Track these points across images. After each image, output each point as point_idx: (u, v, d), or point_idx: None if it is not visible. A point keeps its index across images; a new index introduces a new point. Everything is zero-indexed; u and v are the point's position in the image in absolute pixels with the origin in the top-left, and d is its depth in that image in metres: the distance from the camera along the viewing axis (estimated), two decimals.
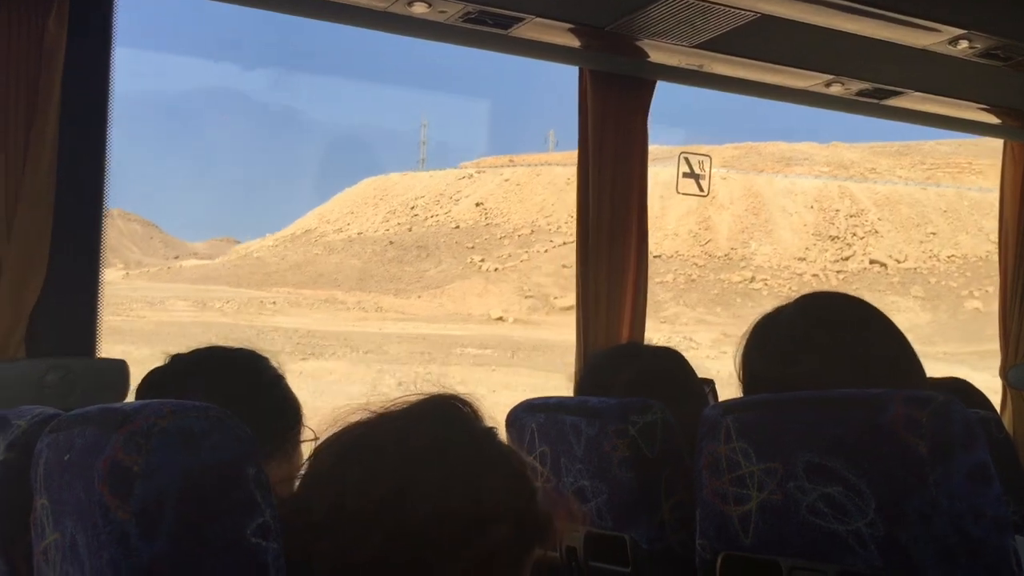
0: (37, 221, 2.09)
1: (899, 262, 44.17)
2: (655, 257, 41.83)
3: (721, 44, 2.69)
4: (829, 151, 56.76)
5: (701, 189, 3.58)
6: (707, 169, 3.59)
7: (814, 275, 42.56)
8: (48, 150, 2.10)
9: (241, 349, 1.61)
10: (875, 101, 3.21)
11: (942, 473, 1.12)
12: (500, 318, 38.00)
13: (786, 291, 38.35)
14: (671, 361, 2.09)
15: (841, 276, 42.90)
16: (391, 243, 51.46)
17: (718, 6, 2.41)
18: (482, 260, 45.80)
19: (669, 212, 46.43)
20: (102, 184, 2.24)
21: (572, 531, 1.78)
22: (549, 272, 43.28)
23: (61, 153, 2.13)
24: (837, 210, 48.71)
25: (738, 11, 2.44)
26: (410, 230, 51.90)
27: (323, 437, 1.02)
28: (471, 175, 55.58)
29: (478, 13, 2.47)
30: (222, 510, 0.86)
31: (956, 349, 30.90)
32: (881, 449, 1.17)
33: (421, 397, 1.04)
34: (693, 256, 44.79)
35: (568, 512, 1.44)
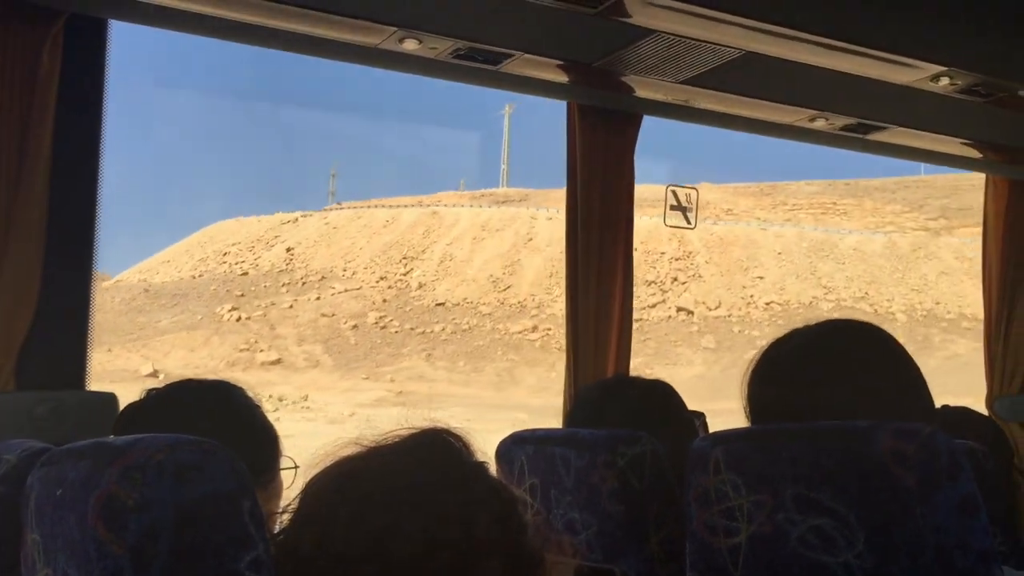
0: (28, 254, 2.09)
1: (711, 309, 42.08)
2: (437, 305, 40.87)
3: (707, 80, 2.73)
4: (704, 192, 55.03)
5: (688, 221, 3.61)
6: (694, 202, 3.62)
7: None
8: (40, 182, 2.11)
9: (215, 381, 1.62)
10: (859, 136, 3.25)
11: (929, 505, 1.13)
12: (152, 374, 34.51)
13: (562, 342, 36.66)
14: (661, 393, 2.10)
15: (638, 324, 40.52)
16: (145, 291, 48.75)
17: (704, 43, 2.45)
18: (232, 309, 43.11)
19: (477, 256, 45.11)
20: (94, 216, 2.24)
21: (563, 565, 1.77)
22: (303, 322, 41.14)
23: (53, 185, 2.14)
24: (663, 252, 46.62)
25: (723, 48, 2.48)
26: (194, 277, 49.08)
27: (314, 472, 1.02)
28: (296, 219, 53.14)
29: (467, 50, 2.50)
30: (217, 544, 0.86)
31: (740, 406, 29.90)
32: (869, 481, 1.18)
33: (412, 431, 1.04)
34: (483, 304, 42.43)
35: (558, 546, 1.44)
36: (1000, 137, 3.36)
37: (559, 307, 39.33)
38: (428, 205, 53.18)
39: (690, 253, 46.20)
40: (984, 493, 1.18)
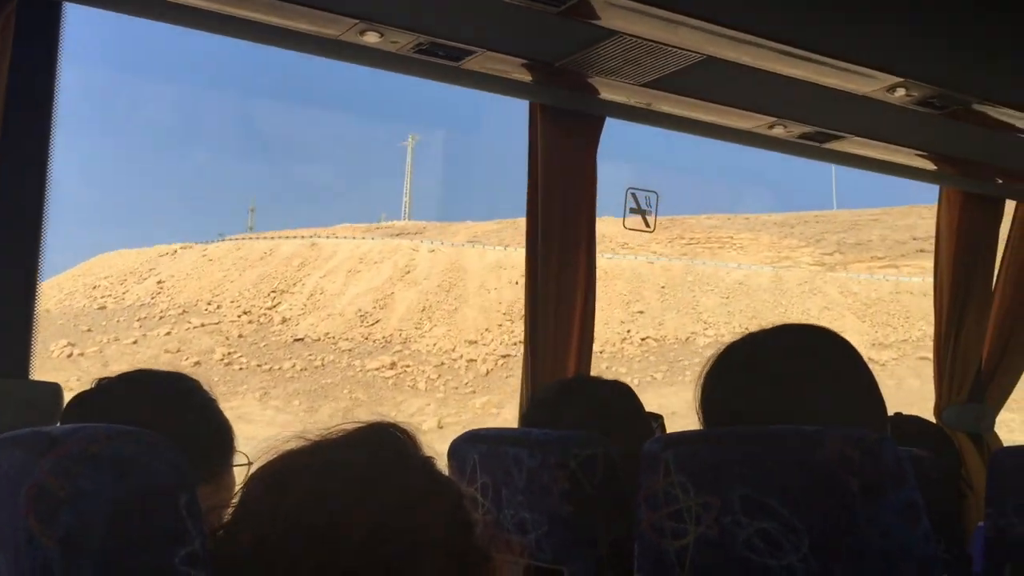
0: None
1: None
2: (296, 341, 39.71)
3: (669, 83, 2.74)
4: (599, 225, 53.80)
5: (647, 225, 3.62)
6: (654, 205, 3.63)
7: (471, 360, 38.42)
8: None
9: (169, 373, 1.59)
10: (816, 144, 3.28)
11: (873, 510, 1.14)
12: None
13: (423, 380, 36.29)
14: (619, 395, 2.09)
15: (502, 361, 38.52)
16: None
17: (665, 46, 2.46)
18: (68, 345, 40.65)
19: (350, 289, 43.97)
20: (42, 203, 2.19)
21: (511, 564, 1.77)
22: (143, 359, 38.32)
23: (0, 171, 2.09)
24: None
25: (685, 52, 2.49)
26: (48, 311, 45.32)
27: (257, 465, 1.00)
28: (175, 251, 50.61)
29: (429, 44, 2.48)
30: (151, 538, 0.85)
31: None
32: (816, 485, 1.19)
33: (358, 425, 1.03)
34: (345, 339, 40.64)
35: (508, 545, 1.43)
36: (954, 150, 3.41)
37: (425, 342, 39.25)
38: (313, 236, 51.64)
39: None
40: (929, 501, 1.19)
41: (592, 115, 2.94)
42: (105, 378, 1.55)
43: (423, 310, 42.75)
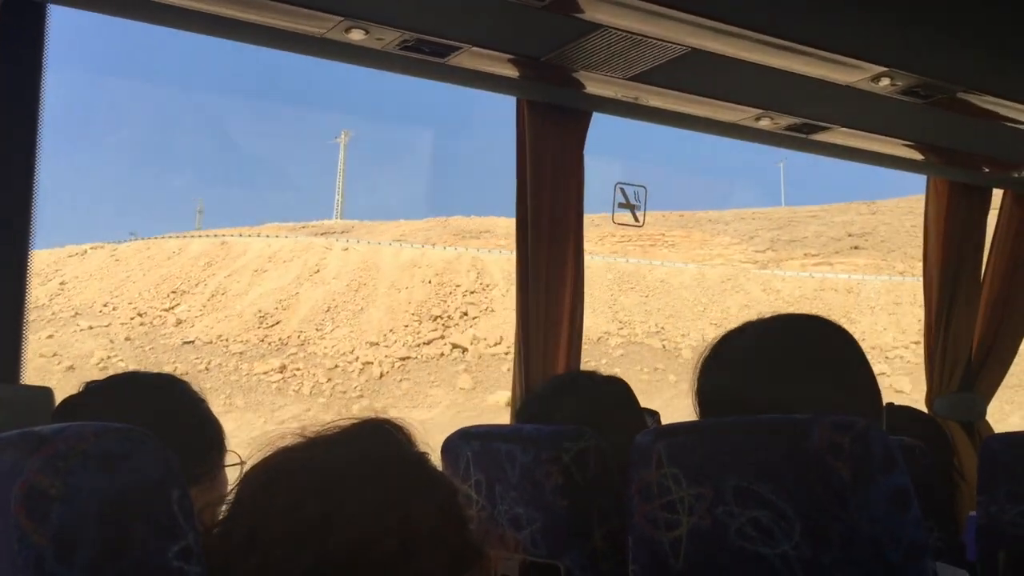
0: None
1: (491, 346, 38.62)
2: (185, 344, 37.92)
3: (654, 77, 2.74)
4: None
5: (636, 219, 3.62)
6: (643, 199, 3.64)
7: (367, 362, 36.81)
8: None
9: (159, 374, 1.60)
10: (803, 136, 3.29)
11: (863, 497, 1.14)
12: None
13: (310, 384, 34.61)
14: (614, 390, 2.09)
15: (400, 364, 37.15)
16: None
17: (651, 39, 2.46)
18: None
19: (254, 289, 42.03)
20: (29, 208, 2.19)
21: (507, 559, 1.77)
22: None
23: None
24: (458, 285, 43.13)
25: (670, 44, 2.49)
26: None
27: (252, 462, 1.00)
28: (85, 251, 48.34)
29: (415, 41, 2.48)
30: (143, 534, 0.85)
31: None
32: (806, 473, 1.19)
33: (354, 421, 1.03)
34: (238, 341, 38.39)
35: (503, 541, 1.43)
36: (940, 139, 3.43)
37: (324, 344, 37.56)
38: (234, 235, 49.82)
39: (487, 286, 43.16)
40: (921, 488, 1.20)
41: (579, 110, 2.94)
42: (93, 381, 1.55)
43: (328, 311, 41.10)
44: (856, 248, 45.50)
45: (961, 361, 3.82)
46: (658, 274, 44.95)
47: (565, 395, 2.04)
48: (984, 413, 3.91)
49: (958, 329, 3.80)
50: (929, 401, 3.83)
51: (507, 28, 2.47)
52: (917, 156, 3.61)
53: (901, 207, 51.65)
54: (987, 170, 3.79)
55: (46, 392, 2.12)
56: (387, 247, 46.72)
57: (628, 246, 48.47)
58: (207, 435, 1.55)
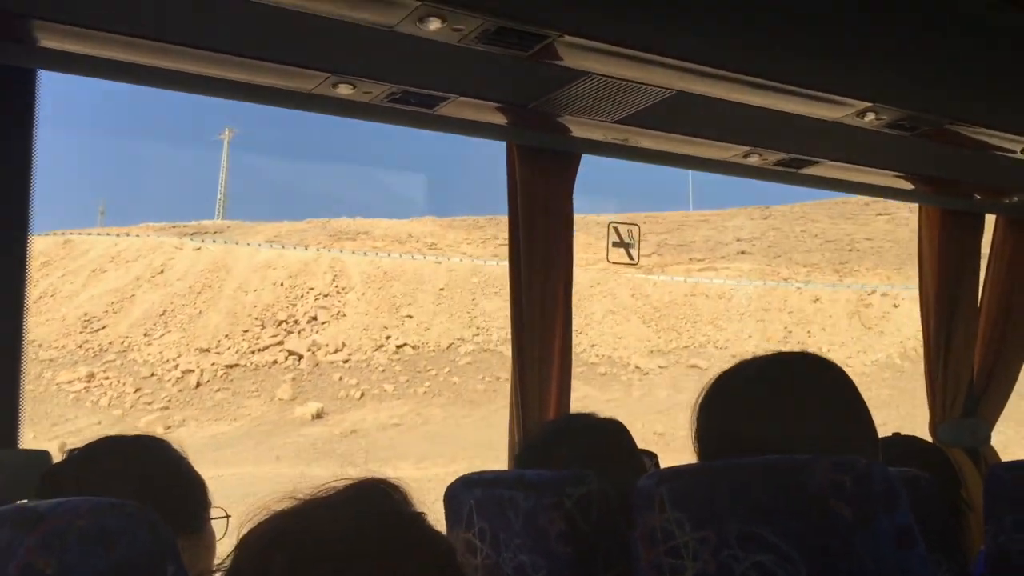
0: None
1: (331, 353, 36.53)
2: None
3: (642, 119, 2.76)
4: (399, 225, 47.71)
5: (631, 258, 3.63)
6: (636, 238, 3.65)
7: (187, 371, 34.52)
8: None
9: (137, 436, 1.61)
10: (792, 170, 3.31)
11: (867, 536, 1.14)
12: None
13: (113, 395, 32.68)
14: (611, 433, 2.09)
15: (224, 372, 34.94)
16: None
17: (636, 84, 2.48)
18: None
19: (87, 290, 39.77)
20: (23, 272, 2.20)
21: None
22: None
23: None
24: (311, 288, 41.06)
25: (655, 88, 2.51)
26: None
27: (248, 526, 1.00)
28: None
29: (402, 93, 2.50)
30: None
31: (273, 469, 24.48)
32: (809, 514, 1.18)
33: (349, 482, 1.02)
34: (54, 347, 36.02)
35: None
36: (929, 168, 3.45)
37: (150, 350, 35.49)
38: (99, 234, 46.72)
39: (343, 289, 41.08)
40: (927, 520, 1.19)
41: (568, 153, 2.97)
42: (74, 449, 1.56)
43: (162, 314, 38.65)
44: (743, 253, 44.56)
45: (963, 387, 3.81)
46: None
47: (562, 441, 2.03)
48: (989, 438, 3.89)
49: (958, 354, 3.80)
50: (933, 428, 3.81)
51: (494, 77, 2.49)
52: (907, 186, 3.63)
53: (794, 212, 50.76)
54: (978, 197, 3.80)
55: (44, 455, 2.11)
56: (243, 248, 44.22)
57: (507, 249, 46.11)
58: (192, 495, 1.57)
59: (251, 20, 2.10)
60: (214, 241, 44.84)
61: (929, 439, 3.71)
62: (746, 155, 3.12)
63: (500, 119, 2.76)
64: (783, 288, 41.40)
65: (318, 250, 44.29)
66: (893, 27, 2.39)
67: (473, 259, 43.86)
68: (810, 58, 2.44)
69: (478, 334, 38.33)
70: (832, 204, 50.54)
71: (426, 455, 26.15)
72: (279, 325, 38.92)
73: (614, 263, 3.56)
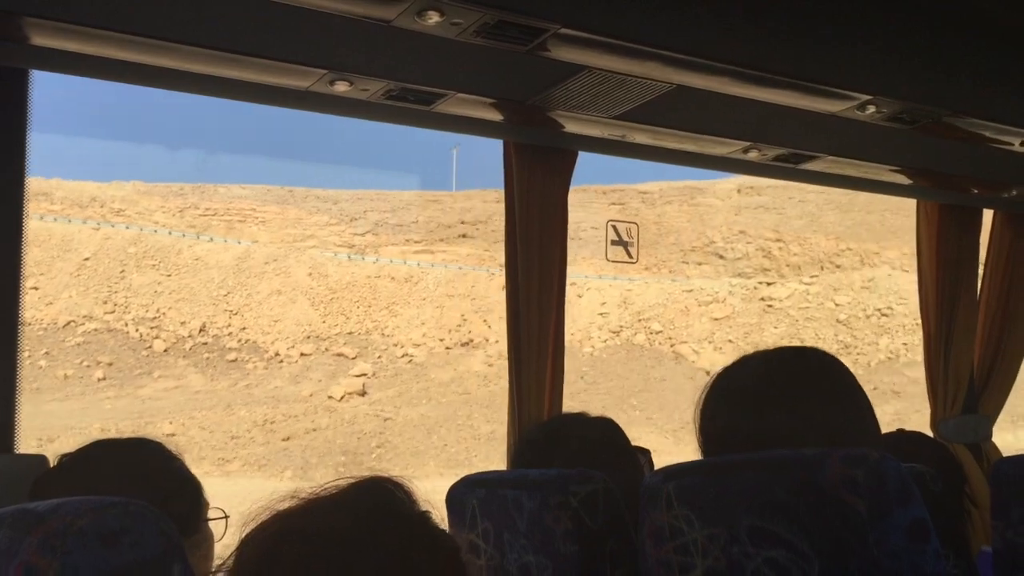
0: None
1: None
2: None
3: (640, 115, 2.75)
4: (86, 188, 42.56)
5: (630, 256, 3.62)
6: (635, 236, 3.64)
7: None
8: None
9: (129, 438, 1.59)
10: (791, 166, 3.30)
11: (880, 531, 1.12)
12: None
13: None
14: (606, 432, 2.08)
15: None
16: None
17: (634, 78, 2.46)
18: None
19: None
20: (17, 279, 2.17)
21: None
22: None
23: None
24: None
25: (653, 82, 2.50)
26: None
27: (251, 527, 0.98)
28: None
29: (399, 91, 2.48)
30: None
31: None
32: (821, 509, 1.17)
33: (353, 481, 1.01)
34: None
35: None
36: (928, 163, 3.44)
37: None
38: None
39: None
40: (934, 515, 1.18)
41: (565, 149, 2.95)
42: (67, 454, 1.55)
43: None
44: (464, 236, 42.52)
45: (963, 383, 3.81)
46: (197, 251, 39.99)
47: (558, 441, 2.03)
48: (990, 434, 3.89)
49: (958, 350, 3.80)
50: (934, 425, 3.80)
51: (491, 74, 2.48)
52: (906, 180, 3.62)
53: None
54: (976, 191, 3.80)
55: (41, 460, 2.09)
56: None
57: (212, 220, 43.04)
58: (188, 494, 1.55)
59: (246, 17, 2.09)
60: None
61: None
62: (745, 151, 3.11)
63: (497, 116, 2.75)
64: (474, 274, 39.40)
65: None
66: (893, 18, 2.37)
67: (157, 228, 40.84)
68: (810, 51, 2.43)
69: (113, 311, 35.88)
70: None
71: None
72: None
73: (613, 261, 3.55)
